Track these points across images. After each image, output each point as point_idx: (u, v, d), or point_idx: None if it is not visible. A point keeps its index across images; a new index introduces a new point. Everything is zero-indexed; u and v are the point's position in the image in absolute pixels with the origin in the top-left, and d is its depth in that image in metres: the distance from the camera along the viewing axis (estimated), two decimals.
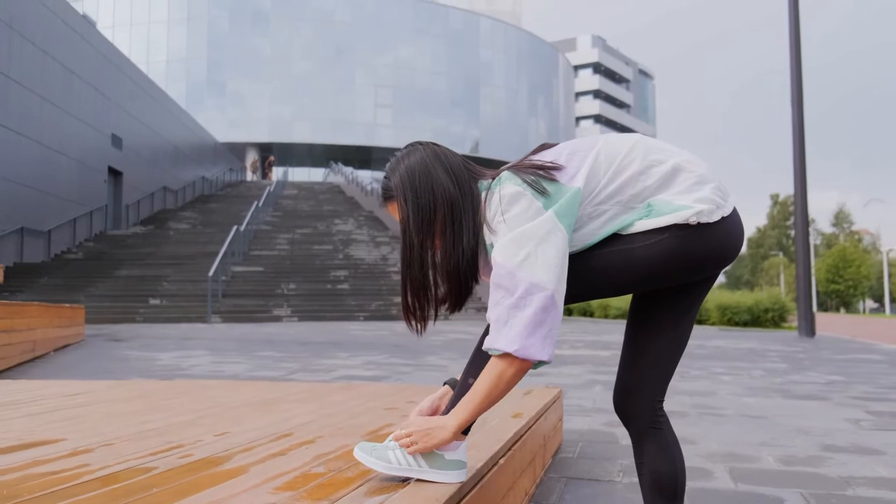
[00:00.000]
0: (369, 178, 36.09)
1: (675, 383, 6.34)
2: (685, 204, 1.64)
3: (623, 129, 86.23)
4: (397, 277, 20.35)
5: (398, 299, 18.80)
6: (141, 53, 45.03)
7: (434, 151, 1.75)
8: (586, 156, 1.70)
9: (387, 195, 1.77)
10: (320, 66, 49.77)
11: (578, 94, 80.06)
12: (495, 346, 1.59)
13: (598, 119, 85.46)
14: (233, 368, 7.52)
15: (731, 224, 1.69)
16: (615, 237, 1.67)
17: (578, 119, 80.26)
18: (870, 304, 75.26)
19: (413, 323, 1.79)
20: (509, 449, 2.31)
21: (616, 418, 4.62)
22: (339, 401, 3.36)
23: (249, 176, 46.79)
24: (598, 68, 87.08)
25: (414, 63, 52.17)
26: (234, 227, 19.90)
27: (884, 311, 62.45)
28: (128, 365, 7.92)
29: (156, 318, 16.12)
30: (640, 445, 1.81)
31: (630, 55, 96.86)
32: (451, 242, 1.70)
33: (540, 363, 1.59)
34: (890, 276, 59.85)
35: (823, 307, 61.37)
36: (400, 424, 1.88)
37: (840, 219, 76.63)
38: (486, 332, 1.79)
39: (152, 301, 17.25)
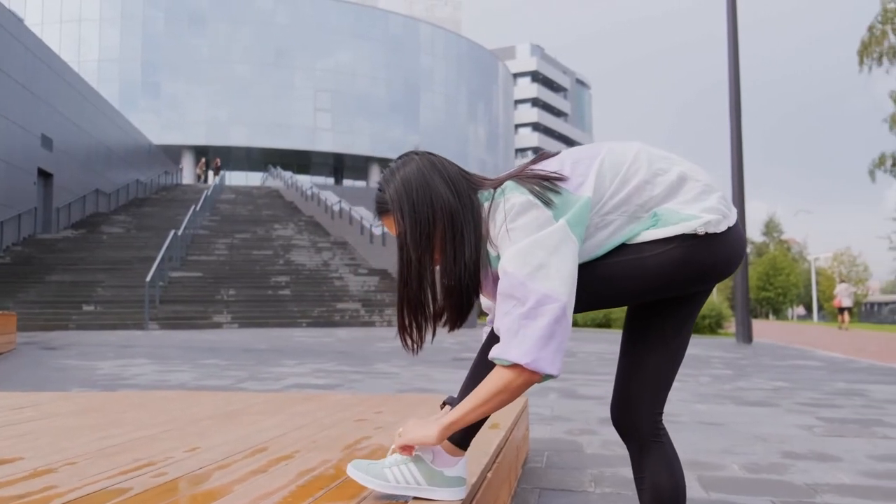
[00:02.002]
0: (309, 182, 35.69)
1: None
2: (692, 214, 1.61)
3: (561, 137, 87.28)
4: (340, 283, 20.13)
5: (341, 305, 18.63)
6: (71, 52, 43.75)
7: (430, 161, 1.68)
8: (591, 164, 1.65)
9: (382, 209, 1.68)
10: (259, 69, 49.16)
11: (517, 102, 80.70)
12: (506, 356, 1.52)
13: (537, 127, 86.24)
14: (178, 377, 7.30)
15: (735, 235, 1.67)
16: (621, 247, 1.63)
17: (517, 126, 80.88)
18: (799, 311, 77.54)
19: (409, 342, 1.71)
20: (494, 461, 2.26)
21: (578, 426, 4.63)
22: (304, 412, 3.25)
23: (186, 179, 45.86)
24: (536, 76, 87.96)
25: (354, 68, 51.95)
26: (172, 232, 19.43)
27: (811, 317, 64.43)
28: (67, 375, 7.61)
29: (90, 325, 15.62)
30: (640, 459, 1.76)
31: (568, 65, 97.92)
32: (452, 256, 1.62)
33: (547, 377, 1.54)
34: (817, 283, 61.79)
35: (754, 314, 62.92)
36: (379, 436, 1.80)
37: (770, 228, 78.67)
38: (484, 350, 1.73)
39: (86, 307, 16.72)
